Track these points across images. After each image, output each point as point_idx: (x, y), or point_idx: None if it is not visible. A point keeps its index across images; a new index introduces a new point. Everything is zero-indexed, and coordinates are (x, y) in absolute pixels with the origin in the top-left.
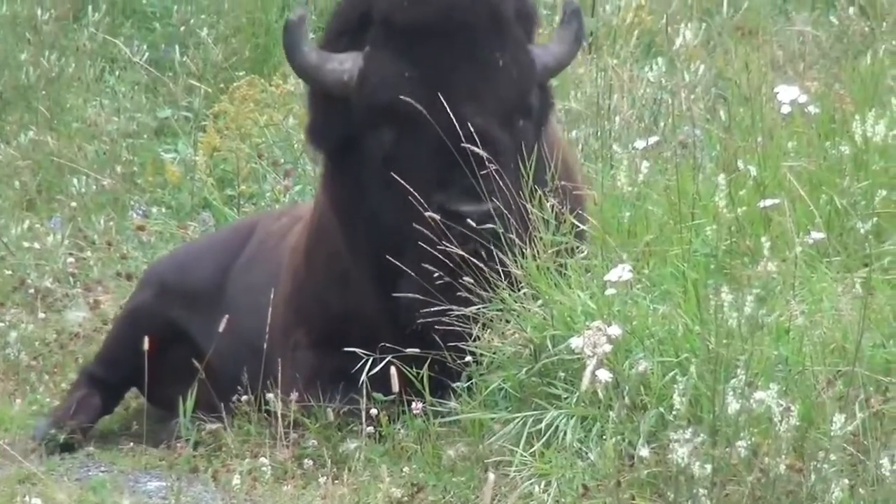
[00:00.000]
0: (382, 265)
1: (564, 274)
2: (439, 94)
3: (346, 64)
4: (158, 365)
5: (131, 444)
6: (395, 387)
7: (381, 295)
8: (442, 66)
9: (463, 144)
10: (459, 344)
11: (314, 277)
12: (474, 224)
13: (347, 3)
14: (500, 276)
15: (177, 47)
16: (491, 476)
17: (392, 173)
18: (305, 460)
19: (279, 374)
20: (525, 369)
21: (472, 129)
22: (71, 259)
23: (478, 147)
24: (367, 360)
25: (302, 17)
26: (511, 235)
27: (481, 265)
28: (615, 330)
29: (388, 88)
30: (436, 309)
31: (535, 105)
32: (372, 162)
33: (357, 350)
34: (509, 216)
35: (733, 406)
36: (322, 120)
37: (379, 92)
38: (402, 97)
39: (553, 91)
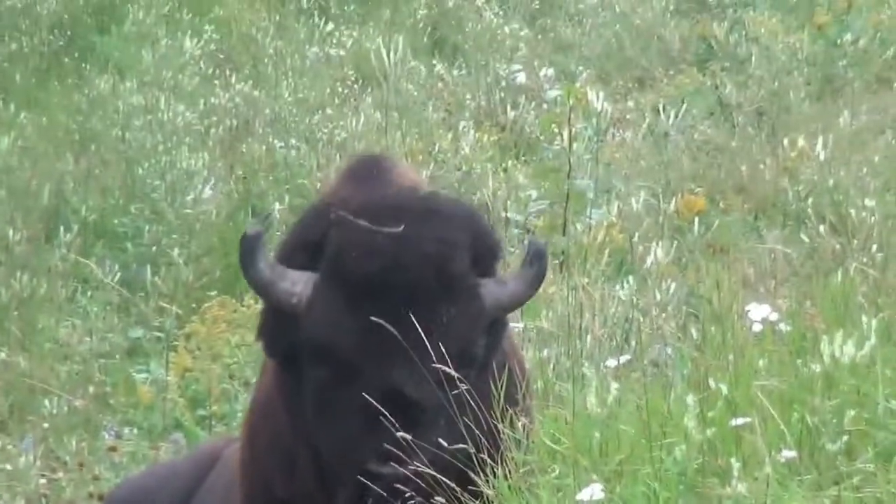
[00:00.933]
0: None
1: (536, 493)
2: (374, 352)
3: (297, 286)
4: None
5: None
6: None
7: (325, 483)
8: (381, 324)
9: (383, 409)
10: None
11: (258, 460)
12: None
13: (304, 224)
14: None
15: (148, 268)
16: None
17: (322, 415)
18: None
19: None
20: None
21: (404, 392)
22: (43, 480)
23: (404, 412)
24: None
25: (258, 232)
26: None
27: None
28: None
29: (328, 331)
30: None
31: (479, 353)
32: (309, 393)
33: None
34: (434, 475)
35: None
36: (272, 327)
37: (320, 331)
38: (339, 345)
39: (505, 319)
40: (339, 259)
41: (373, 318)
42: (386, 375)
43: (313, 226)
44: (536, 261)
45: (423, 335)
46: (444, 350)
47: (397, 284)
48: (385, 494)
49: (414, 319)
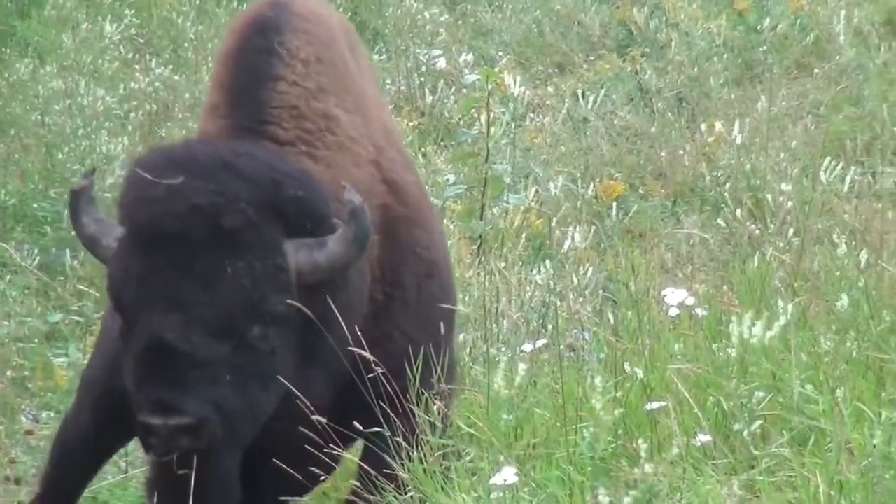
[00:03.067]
0: None
1: (450, 478)
2: (148, 303)
3: (111, 241)
4: None
5: None
6: None
7: None
8: (156, 274)
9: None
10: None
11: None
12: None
13: (123, 177)
14: (388, 479)
15: (67, 252)
16: None
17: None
18: None
19: None
20: None
21: (167, 342)
22: None
23: (172, 363)
24: None
25: (85, 186)
26: (234, 437)
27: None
28: None
29: (115, 282)
30: None
31: (283, 310)
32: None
33: None
34: (217, 426)
35: None
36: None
37: (112, 282)
38: (122, 296)
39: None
40: (126, 208)
41: (148, 268)
42: (155, 326)
43: (123, 180)
44: (353, 219)
45: (193, 286)
46: (223, 303)
47: (172, 235)
48: (157, 446)
49: (185, 270)
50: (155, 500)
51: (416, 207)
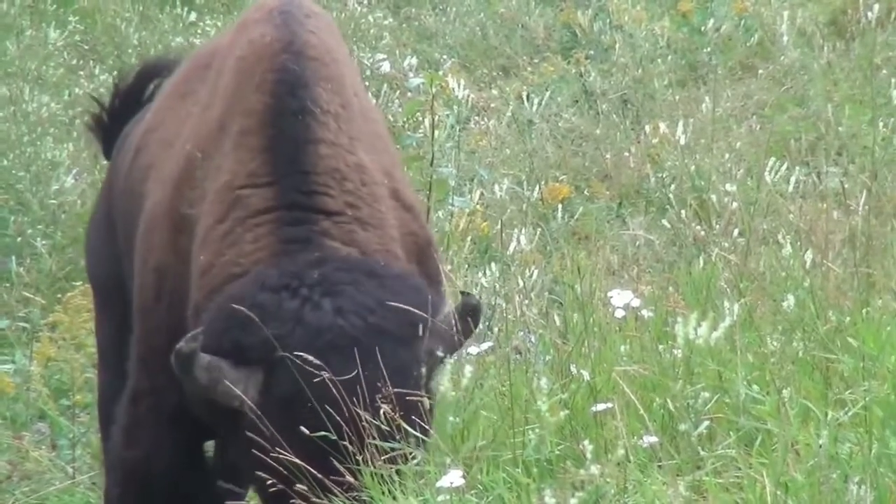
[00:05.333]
0: None
1: (398, 481)
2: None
3: (239, 386)
4: None
5: None
6: None
7: None
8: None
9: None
10: None
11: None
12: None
13: (237, 324)
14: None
15: (13, 258)
16: None
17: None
18: None
19: None
20: None
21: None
22: None
23: None
24: None
25: (192, 350)
26: None
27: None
28: None
29: (274, 442)
30: None
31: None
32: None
33: None
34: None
35: None
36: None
37: (264, 436)
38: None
39: None
40: (292, 405)
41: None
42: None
43: (249, 328)
44: (468, 318)
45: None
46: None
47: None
48: None
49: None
50: None
51: (423, 223)
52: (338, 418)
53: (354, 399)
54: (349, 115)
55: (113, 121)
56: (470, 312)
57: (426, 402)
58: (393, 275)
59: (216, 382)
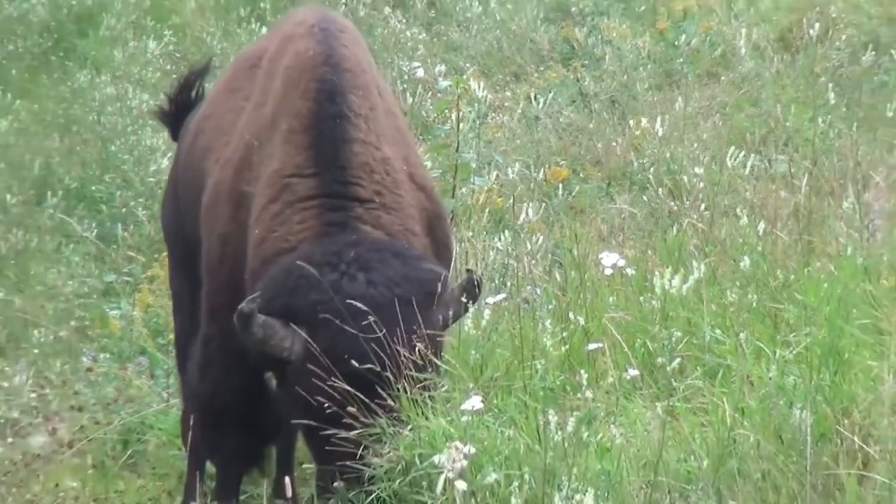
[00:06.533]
0: None
1: (429, 405)
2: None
3: (286, 342)
4: None
5: None
6: (289, 492)
7: None
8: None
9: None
10: (349, 462)
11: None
12: None
13: (287, 287)
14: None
15: (119, 225)
16: None
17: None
18: None
19: None
20: (398, 481)
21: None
22: (33, 395)
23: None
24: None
25: (251, 310)
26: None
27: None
28: (469, 449)
29: (316, 387)
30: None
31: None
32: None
33: None
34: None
35: None
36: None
37: (307, 383)
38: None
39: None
40: (330, 352)
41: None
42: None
43: (298, 294)
44: (471, 291)
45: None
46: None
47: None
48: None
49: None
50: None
51: (437, 201)
52: (367, 365)
53: (380, 350)
54: (376, 115)
55: (177, 109)
56: (472, 286)
57: (439, 351)
58: (414, 256)
59: (269, 337)
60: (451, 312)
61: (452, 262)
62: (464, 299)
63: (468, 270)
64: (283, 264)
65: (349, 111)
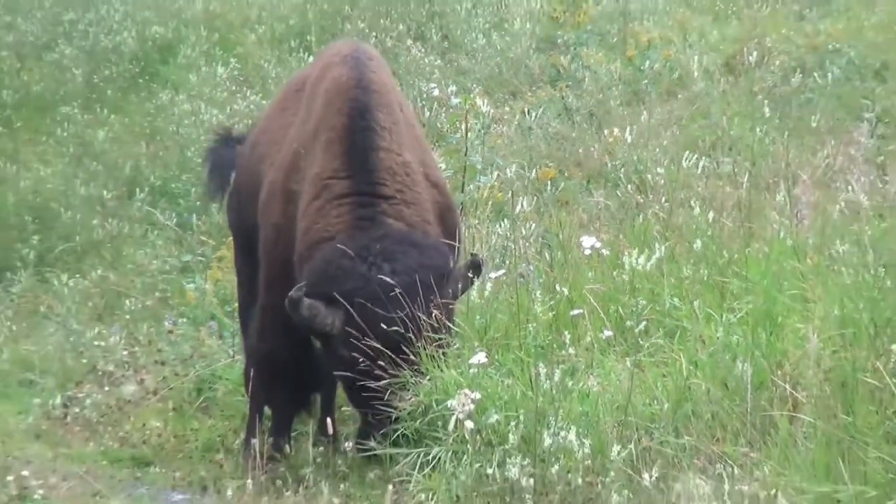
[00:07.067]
0: None
1: (443, 359)
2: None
3: (328, 319)
4: None
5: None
6: (330, 430)
7: None
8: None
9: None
10: (377, 405)
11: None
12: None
13: (329, 277)
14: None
15: (194, 216)
16: (389, 487)
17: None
18: (277, 480)
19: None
20: (419, 420)
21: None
22: (125, 352)
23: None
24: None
25: (299, 297)
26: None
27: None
28: (476, 395)
29: (354, 356)
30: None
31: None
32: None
33: None
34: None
35: (548, 442)
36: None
37: (348, 351)
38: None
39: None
40: (364, 330)
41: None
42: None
43: (336, 283)
44: (476, 271)
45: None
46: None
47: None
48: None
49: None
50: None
51: (448, 195)
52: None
53: (403, 325)
54: (398, 128)
55: (226, 143)
56: (476, 266)
57: (449, 323)
58: (429, 245)
59: (314, 317)
60: (459, 286)
61: (461, 244)
62: (470, 275)
63: (472, 254)
64: (324, 254)
65: (376, 125)
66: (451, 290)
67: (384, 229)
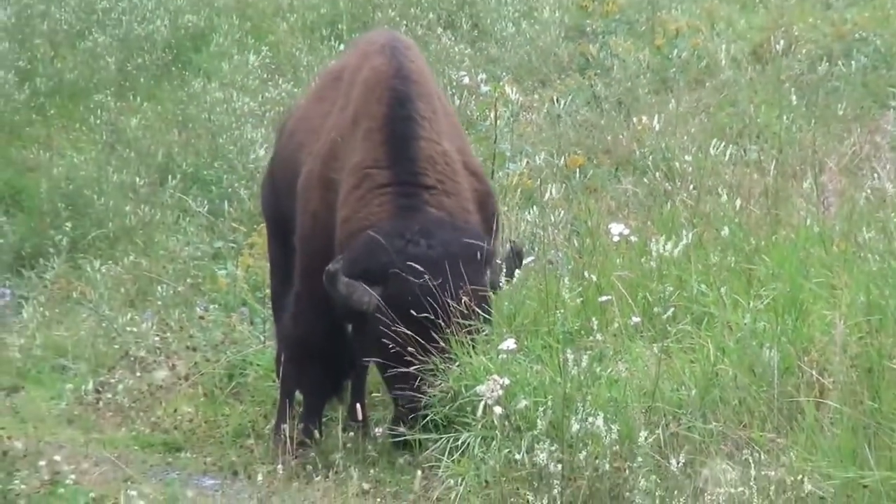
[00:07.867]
0: None
1: (473, 346)
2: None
3: (364, 298)
4: None
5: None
6: (360, 416)
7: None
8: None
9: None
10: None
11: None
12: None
13: (368, 256)
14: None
15: (226, 202)
16: (419, 472)
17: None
18: (307, 465)
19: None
20: (448, 406)
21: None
22: (157, 338)
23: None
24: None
25: (336, 269)
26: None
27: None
28: (504, 381)
29: (388, 332)
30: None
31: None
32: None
33: None
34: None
35: (575, 427)
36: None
37: (384, 326)
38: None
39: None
40: (398, 297)
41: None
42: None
43: (373, 258)
44: (515, 259)
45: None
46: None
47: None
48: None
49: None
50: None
51: (486, 182)
52: (428, 309)
53: (439, 296)
54: (436, 117)
55: None
56: (517, 254)
57: (484, 308)
58: (468, 230)
59: (351, 293)
60: (500, 278)
61: (499, 230)
62: (511, 266)
63: (512, 241)
64: (363, 237)
65: (416, 114)
66: (489, 277)
67: (425, 216)
